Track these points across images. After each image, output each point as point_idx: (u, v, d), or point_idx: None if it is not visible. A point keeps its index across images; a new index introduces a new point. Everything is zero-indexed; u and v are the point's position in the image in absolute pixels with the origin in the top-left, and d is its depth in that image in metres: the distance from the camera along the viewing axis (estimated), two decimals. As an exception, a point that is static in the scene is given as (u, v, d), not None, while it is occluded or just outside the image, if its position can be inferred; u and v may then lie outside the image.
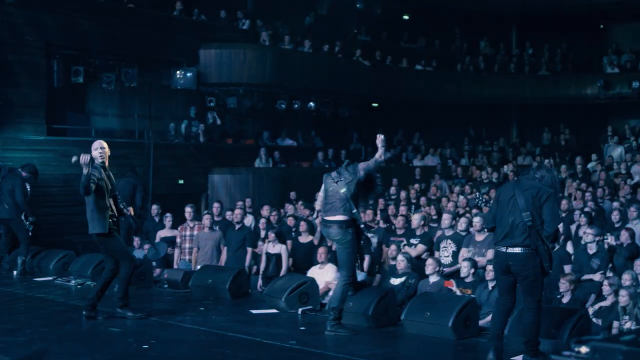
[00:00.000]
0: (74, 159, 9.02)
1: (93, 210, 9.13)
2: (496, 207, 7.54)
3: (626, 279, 9.73)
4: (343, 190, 8.60)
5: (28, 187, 13.68)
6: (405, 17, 28.61)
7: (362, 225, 8.72)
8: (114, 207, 9.40)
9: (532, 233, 7.16)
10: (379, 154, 8.82)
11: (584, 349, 3.36)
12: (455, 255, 11.69)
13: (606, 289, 9.83)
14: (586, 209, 14.76)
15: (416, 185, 20.31)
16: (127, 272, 9.40)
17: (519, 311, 8.36)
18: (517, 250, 7.21)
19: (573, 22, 28.06)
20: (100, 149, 9.36)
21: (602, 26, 29.89)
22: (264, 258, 12.76)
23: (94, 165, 9.19)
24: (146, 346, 7.95)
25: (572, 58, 29.22)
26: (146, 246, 13.53)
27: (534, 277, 7.24)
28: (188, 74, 20.21)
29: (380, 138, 8.83)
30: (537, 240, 7.16)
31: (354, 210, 8.56)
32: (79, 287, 11.84)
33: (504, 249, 7.30)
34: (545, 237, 7.21)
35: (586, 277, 10.99)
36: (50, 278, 12.59)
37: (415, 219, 12.48)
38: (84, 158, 8.82)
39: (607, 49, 28.61)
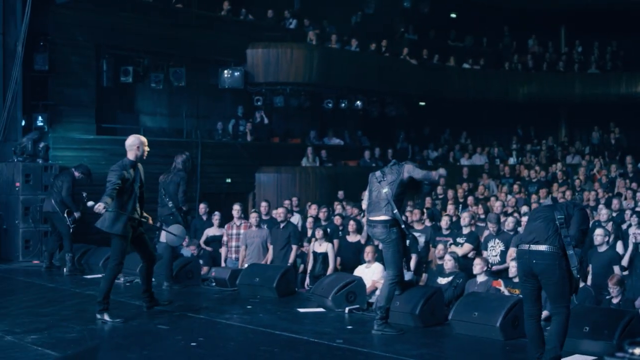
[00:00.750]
0: (89, 203, 8.90)
1: (113, 210, 8.97)
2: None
3: None
4: (385, 190, 8.57)
5: (84, 194, 13.86)
6: (453, 15, 28.45)
7: (403, 226, 8.61)
8: (138, 209, 9.29)
9: (562, 232, 6.82)
10: (436, 173, 8.78)
11: (638, 351, 3.32)
12: (503, 254, 11.62)
13: None
14: (637, 209, 14.58)
15: (464, 185, 20.20)
16: (111, 274, 9.17)
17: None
18: (542, 248, 6.83)
19: (623, 19, 27.61)
20: (142, 147, 9.29)
21: (653, 23, 29.44)
22: (311, 257, 12.77)
23: (123, 163, 9.15)
24: (194, 343, 8.00)
25: (622, 56, 28.82)
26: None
27: (561, 280, 6.81)
28: (235, 74, 20.33)
29: (441, 172, 8.90)
30: (565, 239, 6.80)
31: (395, 211, 8.50)
32: (127, 284, 11.95)
33: (526, 247, 6.95)
34: (569, 238, 6.81)
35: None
36: (99, 275, 12.69)
37: (465, 217, 12.40)
38: (99, 208, 8.72)
39: (658, 46, 28.18)
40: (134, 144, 9.24)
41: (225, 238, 13.82)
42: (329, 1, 23.97)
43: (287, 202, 16.38)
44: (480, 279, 10.44)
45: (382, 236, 8.60)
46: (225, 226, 14.01)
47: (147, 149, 9.36)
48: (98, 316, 8.99)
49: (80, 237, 14.06)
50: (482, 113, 26.83)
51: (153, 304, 9.62)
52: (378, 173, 8.81)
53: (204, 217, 15.08)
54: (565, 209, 7.01)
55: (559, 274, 6.79)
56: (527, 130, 28.18)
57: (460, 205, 17.33)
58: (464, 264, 11.19)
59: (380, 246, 9.59)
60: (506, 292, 10.06)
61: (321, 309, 9.95)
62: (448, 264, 10.83)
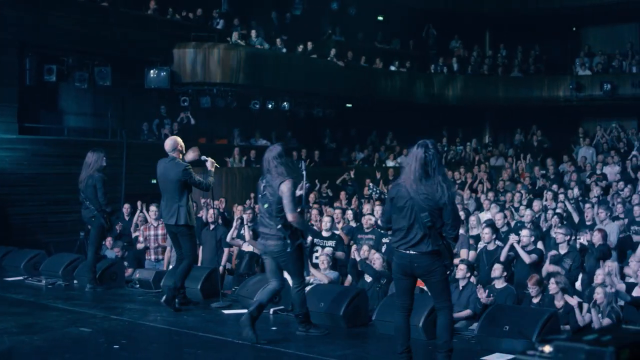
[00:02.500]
0: (203, 157, 10.31)
1: (185, 204, 9.73)
2: (390, 207, 7.07)
3: (598, 274, 9.76)
4: (266, 206, 8.28)
5: None
6: (380, 18, 28.68)
7: (288, 241, 8.15)
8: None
9: (432, 234, 6.83)
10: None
11: (547, 349, 3.41)
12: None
13: (552, 287, 9.81)
14: (557, 210, 14.91)
15: (390, 186, 20.33)
16: (189, 266, 9.93)
17: (489, 310, 8.44)
18: (421, 250, 6.87)
19: (546, 24, 28.29)
20: (182, 145, 10.06)
21: (574, 28, 30.14)
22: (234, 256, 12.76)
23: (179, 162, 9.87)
24: (117, 346, 7.93)
25: (544, 60, 29.43)
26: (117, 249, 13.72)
27: (442, 278, 6.99)
28: (162, 73, 20.21)
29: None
30: (437, 240, 6.85)
31: (279, 227, 8.15)
32: (49, 286, 11.77)
33: (406, 252, 6.94)
34: (449, 239, 6.96)
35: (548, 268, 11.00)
36: (20, 278, 12.50)
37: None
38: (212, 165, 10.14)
39: (579, 52, 28.87)
40: (175, 144, 9.99)
41: (140, 238, 13.78)
42: (256, 2, 23.97)
43: (216, 202, 16.32)
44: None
45: (277, 249, 8.24)
46: (142, 228, 13.94)
47: (183, 145, 10.09)
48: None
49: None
50: (408, 115, 27.10)
51: (185, 302, 10.07)
52: (261, 187, 8.39)
53: (127, 218, 15.01)
54: (429, 201, 6.81)
55: (439, 273, 6.94)
56: (452, 132, 28.50)
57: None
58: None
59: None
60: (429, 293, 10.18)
61: (246, 310, 9.92)
62: (376, 262, 10.89)
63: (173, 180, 9.76)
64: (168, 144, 10.01)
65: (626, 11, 27.50)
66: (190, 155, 10.48)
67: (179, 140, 10.06)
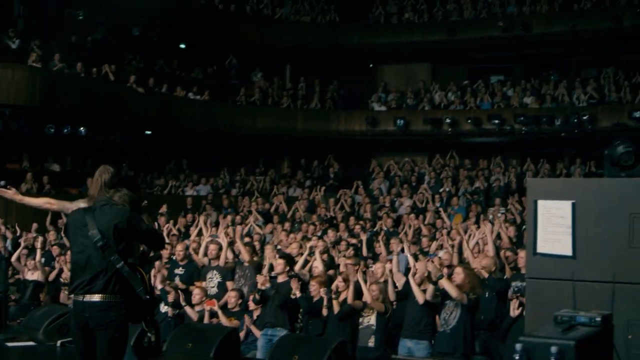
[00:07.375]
0: None
1: None
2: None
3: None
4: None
5: None
6: (182, 45, 28.61)
7: None
8: None
9: (114, 260, 5.60)
10: None
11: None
12: (221, 285, 11.76)
13: None
14: (352, 240, 15.33)
15: (188, 216, 20.14)
16: None
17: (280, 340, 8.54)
18: (96, 298, 5.57)
19: (344, 60, 29.17)
20: None
21: (371, 65, 31.25)
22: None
23: None
24: None
25: (342, 95, 30.28)
26: None
27: (115, 333, 5.59)
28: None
29: None
30: (111, 271, 5.58)
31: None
32: None
33: (81, 298, 5.62)
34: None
35: None
36: None
37: (179, 249, 12.36)
38: None
39: (375, 88, 30.00)
40: None
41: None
42: (54, 23, 23.35)
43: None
44: (199, 308, 10.57)
45: None
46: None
47: None
48: None
49: None
50: (209, 144, 27.09)
51: None
52: None
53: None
54: (108, 223, 5.80)
55: (114, 325, 5.61)
56: (252, 162, 28.65)
57: (182, 236, 17.27)
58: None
59: None
60: (224, 320, 10.22)
61: (32, 343, 9.61)
62: (171, 293, 10.83)
63: None
64: None
65: (419, 51, 29.08)
66: None
67: None
